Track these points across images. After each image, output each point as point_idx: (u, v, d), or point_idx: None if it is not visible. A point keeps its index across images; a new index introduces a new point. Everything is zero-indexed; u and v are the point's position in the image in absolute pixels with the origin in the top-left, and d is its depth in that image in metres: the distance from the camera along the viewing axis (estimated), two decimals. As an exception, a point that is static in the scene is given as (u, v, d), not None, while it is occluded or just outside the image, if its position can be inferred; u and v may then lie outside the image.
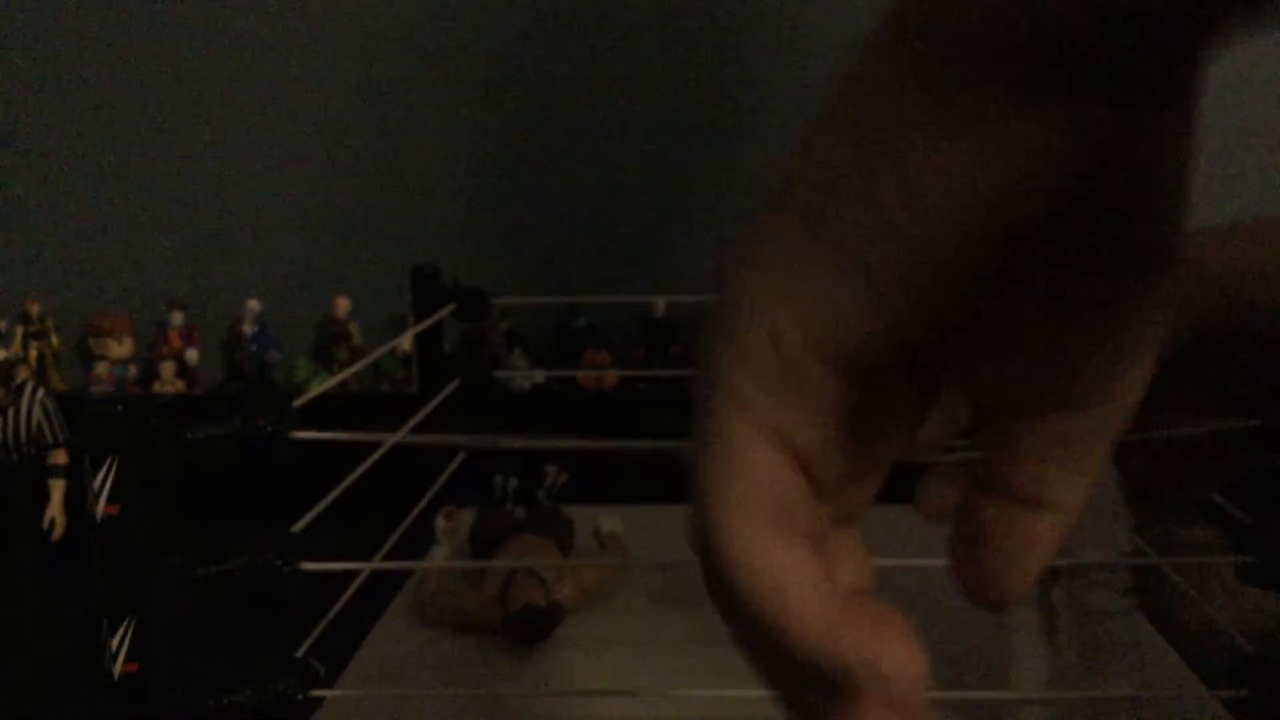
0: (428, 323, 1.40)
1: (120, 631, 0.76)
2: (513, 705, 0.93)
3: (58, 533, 1.37)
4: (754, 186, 2.29)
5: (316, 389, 0.94)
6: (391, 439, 1.03)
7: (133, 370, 2.23)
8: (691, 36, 2.30)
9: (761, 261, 0.33)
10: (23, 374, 1.49)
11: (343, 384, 1.98)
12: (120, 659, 0.77)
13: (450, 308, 1.43)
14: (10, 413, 1.34)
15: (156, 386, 2.20)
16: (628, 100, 2.31)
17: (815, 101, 0.35)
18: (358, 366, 1.24)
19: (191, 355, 2.24)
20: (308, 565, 0.82)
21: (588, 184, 2.34)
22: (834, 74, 0.33)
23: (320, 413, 0.90)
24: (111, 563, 0.77)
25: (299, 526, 0.86)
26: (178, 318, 2.25)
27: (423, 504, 1.29)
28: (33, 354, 2.21)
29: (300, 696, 0.84)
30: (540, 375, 2.20)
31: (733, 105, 2.31)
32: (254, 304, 2.23)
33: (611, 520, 1.21)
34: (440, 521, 1.24)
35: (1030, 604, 0.87)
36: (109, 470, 0.75)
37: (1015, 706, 0.89)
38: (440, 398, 1.34)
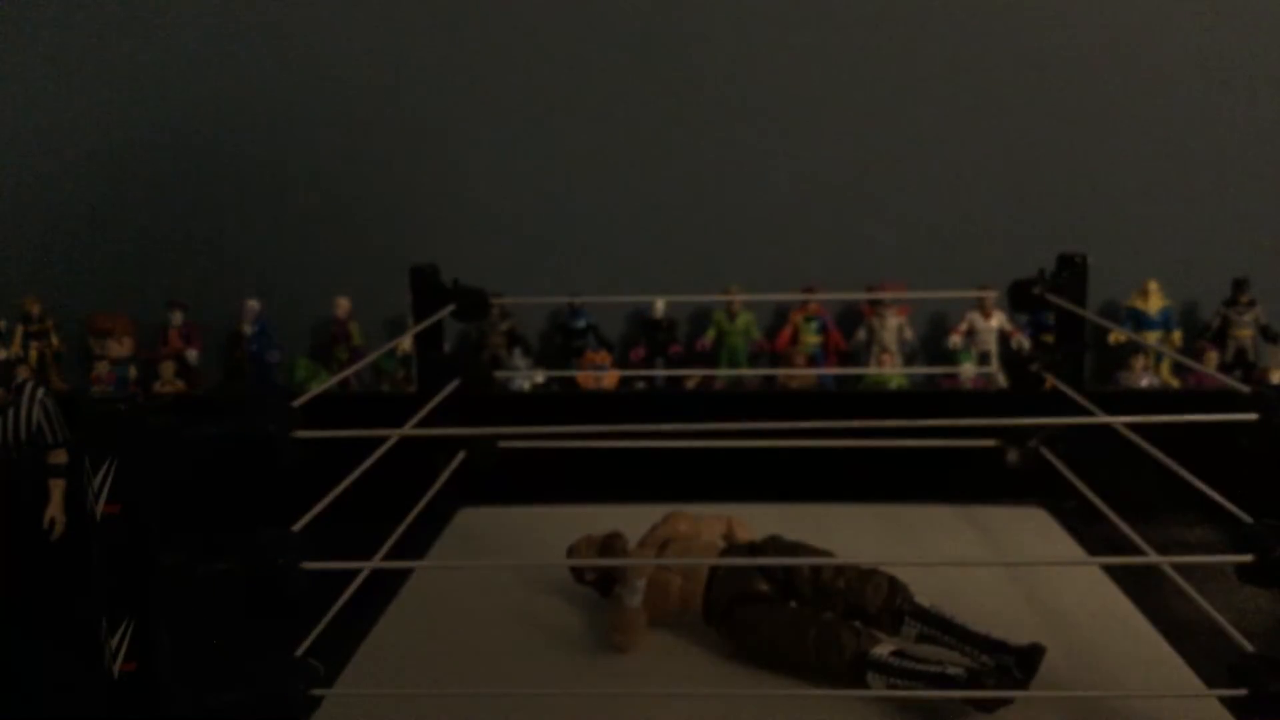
0: (427, 323, 1.40)
1: (120, 631, 0.76)
2: (512, 705, 0.93)
3: (58, 532, 1.36)
4: (751, 188, 2.29)
5: (316, 389, 0.94)
6: (394, 434, 1.03)
7: (133, 370, 2.23)
8: (688, 41, 2.30)
9: None
10: (23, 374, 1.49)
11: (343, 384, 1.98)
12: (120, 659, 0.77)
13: (450, 308, 1.43)
14: (10, 413, 1.34)
15: (156, 386, 2.20)
16: (626, 103, 2.31)
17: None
18: (358, 366, 1.24)
19: (191, 355, 2.24)
20: (308, 565, 0.82)
21: (587, 185, 2.34)
22: None
23: (320, 413, 0.90)
24: (111, 563, 0.77)
25: (299, 526, 0.86)
26: (178, 318, 2.25)
27: (423, 504, 1.29)
28: (33, 354, 2.22)
29: (300, 696, 0.84)
30: (540, 375, 2.21)
31: (731, 108, 2.31)
32: (254, 304, 2.23)
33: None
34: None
35: None
36: (109, 470, 0.75)
37: None
38: (440, 397, 1.34)
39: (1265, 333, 2.21)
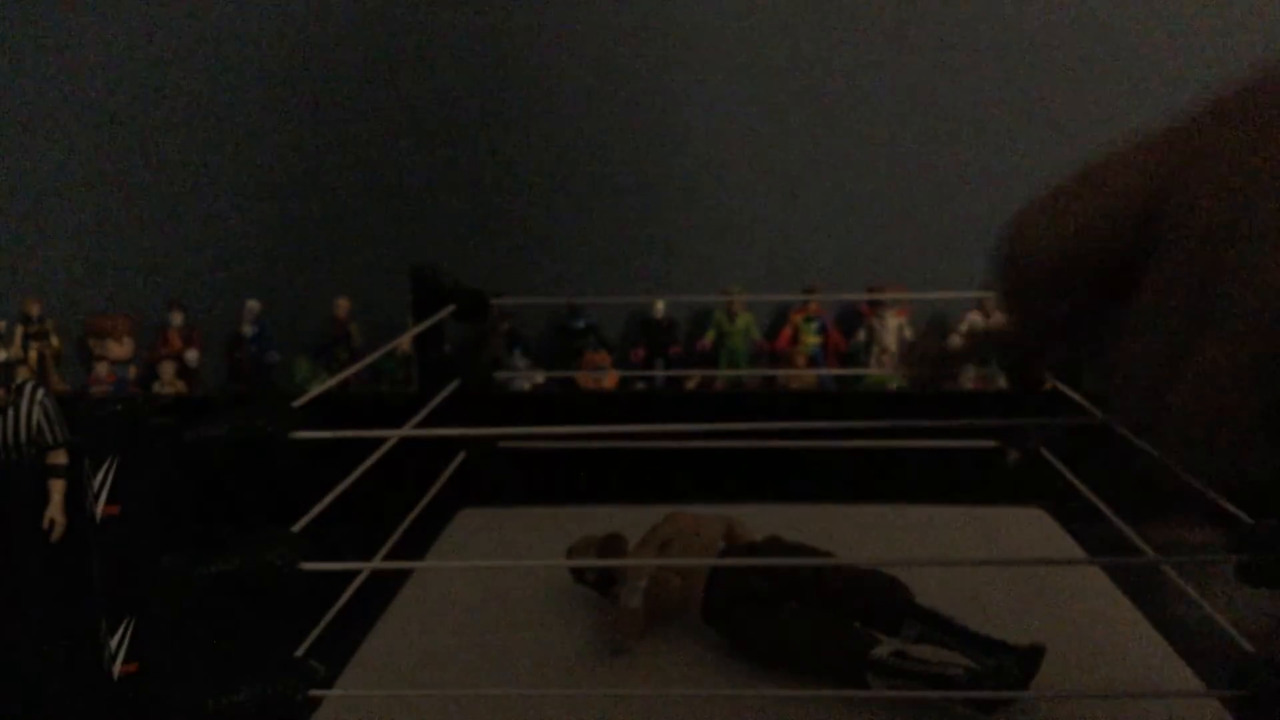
0: (427, 323, 1.40)
1: (120, 631, 0.76)
2: (512, 705, 0.93)
3: (58, 533, 1.37)
4: (752, 189, 2.30)
5: (316, 389, 0.94)
6: (393, 435, 1.03)
7: (133, 370, 2.23)
8: (688, 43, 2.30)
9: None
10: (23, 374, 1.49)
11: (343, 384, 1.98)
12: (120, 659, 0.77)
13: (450, 308, 1.43)
14: (10, 413, 1.34)
15: (156, 387, 2.20)
16: (628, 104, 2.31)
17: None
18: (358, 367, 1.24)
19: (191, 355, 2.24)
20: (308, 565, 0.82)
21: (588, 185, 2.34)
22: None
23: (320, 413, 0.90)
24: (111, 563, 0.77)
25: (299, 526, 0.86)
26: (178, 318, 2.25)
27: (423, 504, 1.29)
28: (33, 354, 2.22)
29: (300, 696, 0.84)
30: (540, 375, 2.21)
31: (731, 109, 2.31)
32: (254, 304, 2.23)
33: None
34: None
35: None
36: (109, 470, 0.75)
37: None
38: (440, 398, 1.34)
39: (1265, 333, 2.21)
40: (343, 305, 2.25)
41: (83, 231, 2.28)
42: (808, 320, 2.31)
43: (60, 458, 1.36)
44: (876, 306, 2.27)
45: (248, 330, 2.24)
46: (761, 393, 2.25)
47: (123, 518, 0.76)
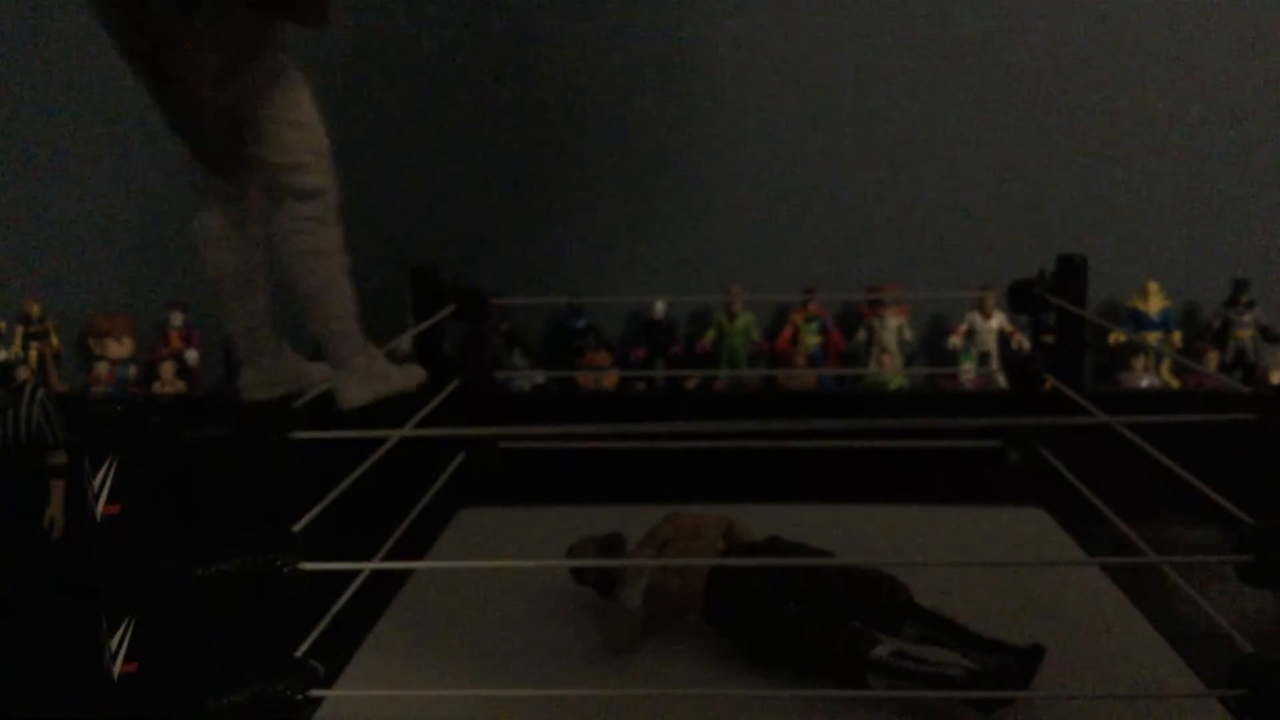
0: (427, 323, 1.40)
1: (120, 631, 0.76)
2: (512, 705, 0.93)
3: (58, 533, 1.37)
4: (752, 189, 2.29)
5: (317, 390, 0.94)
6: (394, 434, 1.03)
7: (133, 370, 2.23)
8: (689, 43, 2.30)
9: None
10: (23, 374, 1.50)
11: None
12: (120, 659, 0.77)
13: (450, 308, 1.43)
14: (10, 413, 1.34)
15: (156, 386, 2.20)
16: (627, 104, 2.31)
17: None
18: (358, 366, 1.23)
19: (191, 355, 2.24)
20: (308, 565, 0.82)
21: (588, 185, 2.34)
22: None
23: (321, 413, 0.90)
24: (111, 563, 0.77)
25: (299, 526, 0.86)
26: (177, 318, 2.25)
27: (422, 504, 1.29)
28: (33, 354, 2.22)
29: (300, 696, 0.84)
30: (540, 375, 2.21)
31: (730, 109, 2.31)
32: (254, 304, 2.23)
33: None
34: None
35: None
36: (109, 470, 0.75)
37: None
38: (440, 398, 1.34)
39: (1265, 333, 2.21)
40: (343, 305, 2.25)
41: (83, 231, 2.28)
42: (808, 320, 2.31)
43: (60, 457, 1.35)
44: (876, 306, 2.27)
45: (248, 330, 2.24)
46: (761, 392, 2.25)
47: (123, 518, 0.76)
